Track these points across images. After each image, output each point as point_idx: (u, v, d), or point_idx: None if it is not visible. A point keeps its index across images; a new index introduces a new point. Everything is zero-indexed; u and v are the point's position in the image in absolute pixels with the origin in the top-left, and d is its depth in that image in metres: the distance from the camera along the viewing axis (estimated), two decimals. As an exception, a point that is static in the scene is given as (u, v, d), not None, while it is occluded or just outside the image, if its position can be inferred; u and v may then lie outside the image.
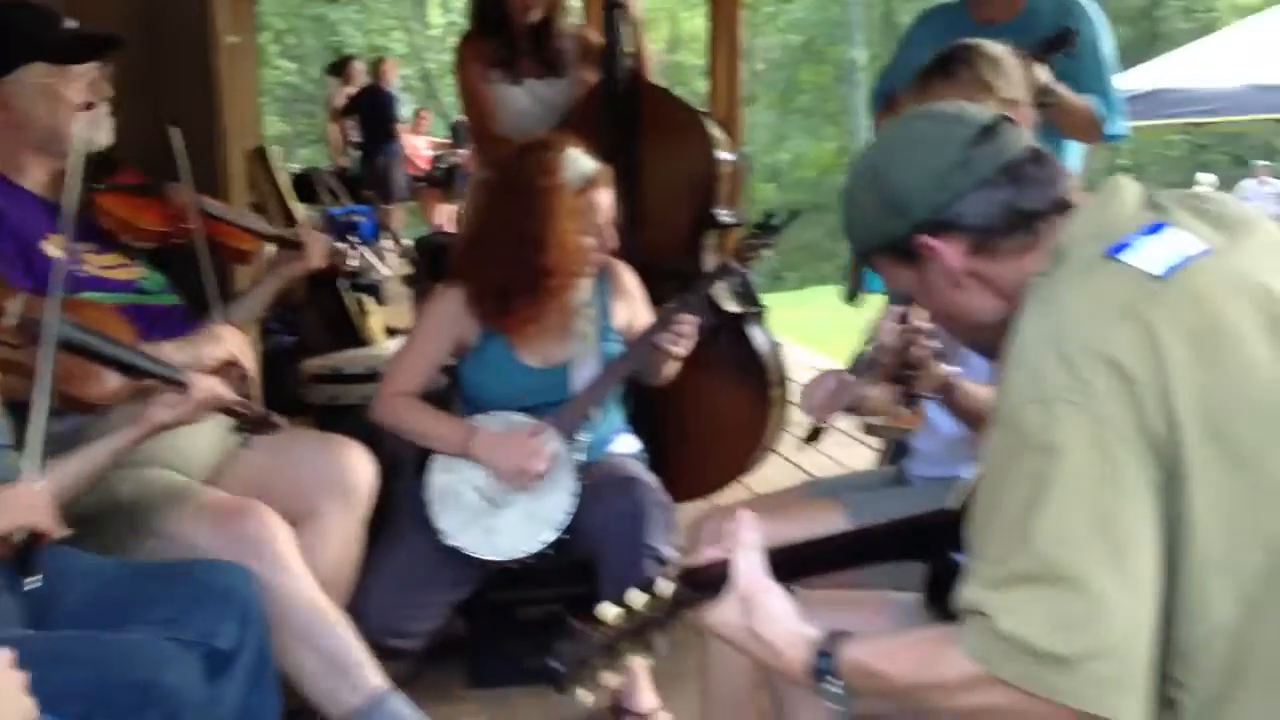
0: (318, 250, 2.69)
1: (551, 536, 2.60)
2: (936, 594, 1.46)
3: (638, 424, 3.02)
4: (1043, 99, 2.50)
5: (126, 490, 2.25)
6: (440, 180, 10.82)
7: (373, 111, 10.53)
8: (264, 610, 2.07)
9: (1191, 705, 1.19)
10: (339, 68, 12.01)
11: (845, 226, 1.50)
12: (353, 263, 2.89)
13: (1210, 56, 8.91)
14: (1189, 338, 1.16)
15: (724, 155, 3.51)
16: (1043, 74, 2.57)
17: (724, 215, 3.53)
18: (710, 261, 3.48)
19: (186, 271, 2.50)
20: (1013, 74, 2.22)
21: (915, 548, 1.54)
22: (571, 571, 2.69)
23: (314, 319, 4.59)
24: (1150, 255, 1.23)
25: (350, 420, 3.16)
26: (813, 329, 8.20)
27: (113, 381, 2.06)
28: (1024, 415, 1.17)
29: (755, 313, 3.57)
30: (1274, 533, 1.16)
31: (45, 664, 1.32)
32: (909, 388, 1.98)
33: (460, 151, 10.37)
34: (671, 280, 2.93)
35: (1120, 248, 1.25)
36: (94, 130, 2.31)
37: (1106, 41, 3.03)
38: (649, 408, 3.14)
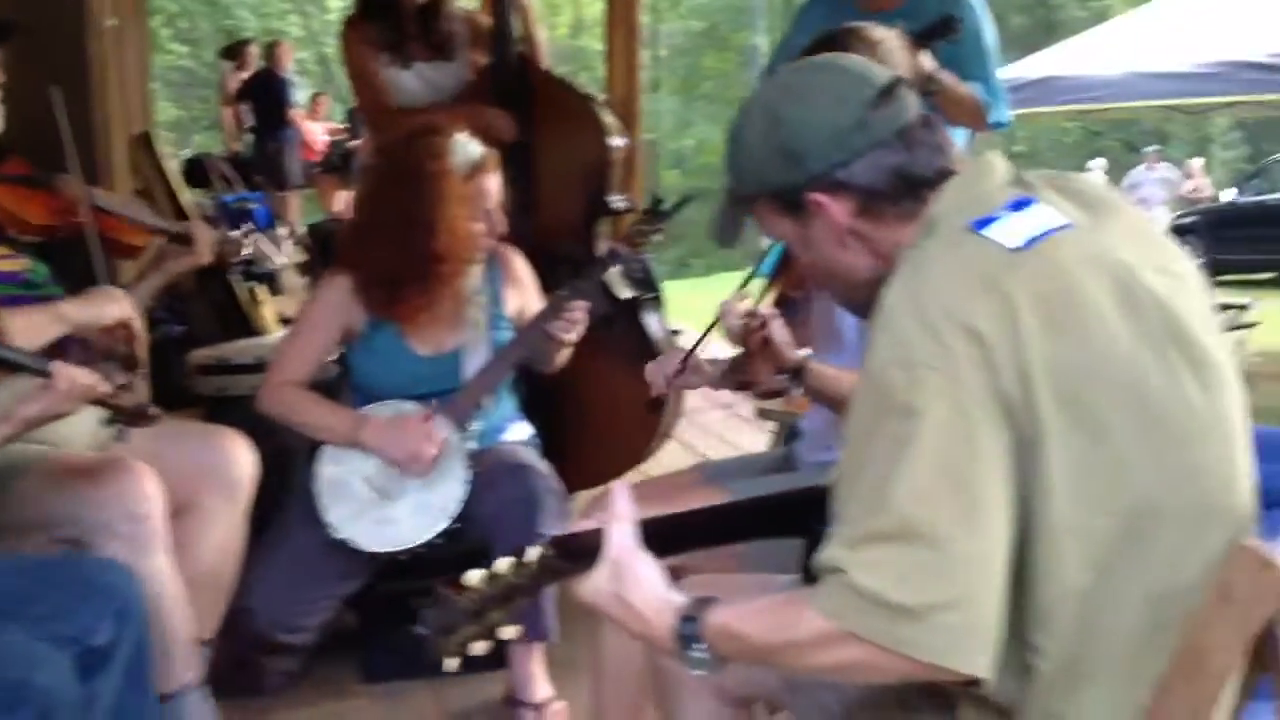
0: (207, 245, 2.66)
1: (443, 525, 2.57)
2: (811, 569, 1.47)
3: (534, 412, 3.01)
4: (928, 86, 2.52)
5: None
6: (337, 166, 10.66)
7: (267, 96, 10.37)
8: (143, 609, 2.04)
9: (1046, 669, 1.22)
10: (233, 51, 11.82)
11: (729, 164, 1.48)
12: (246, 251, 2.86)
13: (1101, 45, 9.08)
14: (1044, 306, 1.19)
15: (617, 141, 3.49)
16: (928, 61, 2.59)
17: (617, 201, 3.52)
18: (603, 248, 3.47)
19: (71, 263, 2.45)
20: (893, 58, 2.22)
21: (790, 523, 1.54)
22: (464, 561, 2.63)
23: (203, 309, 4.50)
24: (1014, 230, 1.25)
25: (239, 412, 3.09)
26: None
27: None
28: (888, 377, 1.20)
29: (651, 299, 3.56)
30: (1120, 498, 1.19)
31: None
32: (744, 375, 2.04)
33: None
34: (565, 266, 2.92)
35: (986, 222, 1.27)
36: None
37: (989, 29, 3.08)
38: (545, 396, 3.13)
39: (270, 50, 11.07)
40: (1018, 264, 1.22)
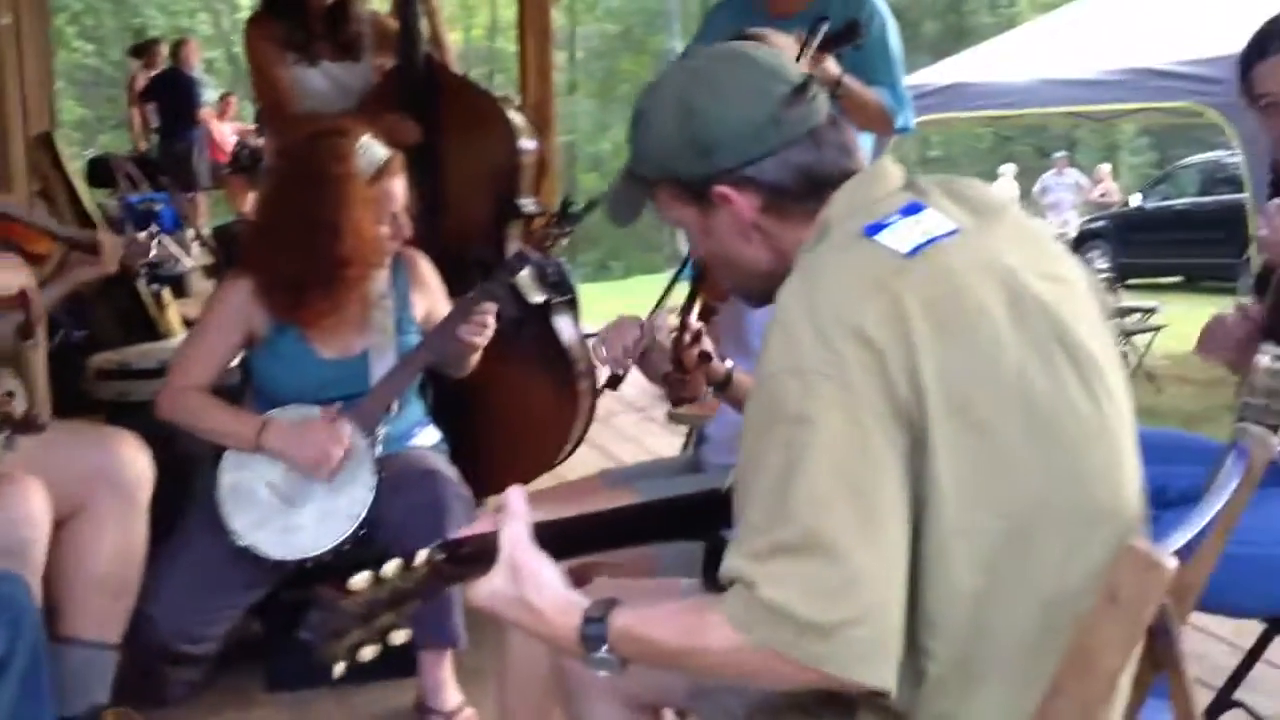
0: (113, 255, 2.62)
1: (349, 532, 2.54)
2: (712, 573, 1.47)
3: (443, 416, 2.98)
4: (834, 91, 2.54)
5: None
6: (247, 166, 10.47)
7: (174, 95, 10.18)
8: (37, 619, 2.01)
9: (936, 673, 1.23)
10: (140, 50, 11.60)
11: (634, 145, 1.47)
12: (153, 253, 2.82)
13: (1010, 51, 9.25)
14: (934, 311, 1.20)
15: (527, 144, 3.47)
16: (833, 66, 2.61)
17: (528, 204, 3.50)
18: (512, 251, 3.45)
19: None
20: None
21: (690, 527, 1.54)
22: (370, 567, 2.63)
23: (105, 312, 4.39)
24: (904, 235, 1.26)
25: (140, 417, 3.03)
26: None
27: None
28: (781, 385, 1.20)
29: (565, 301, 3.55)
30: (1008, 501, 1.21)
31: None
32: (674, 390, 2.02)
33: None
34: (475, 270, 2.90)
35: (878, 227, 1.28)
36: None
37: (894, 36, 3.11)
38: (454, 400, 3.10)
39: (177, 49, 10.85)
40: (908, 269, 1.23)
